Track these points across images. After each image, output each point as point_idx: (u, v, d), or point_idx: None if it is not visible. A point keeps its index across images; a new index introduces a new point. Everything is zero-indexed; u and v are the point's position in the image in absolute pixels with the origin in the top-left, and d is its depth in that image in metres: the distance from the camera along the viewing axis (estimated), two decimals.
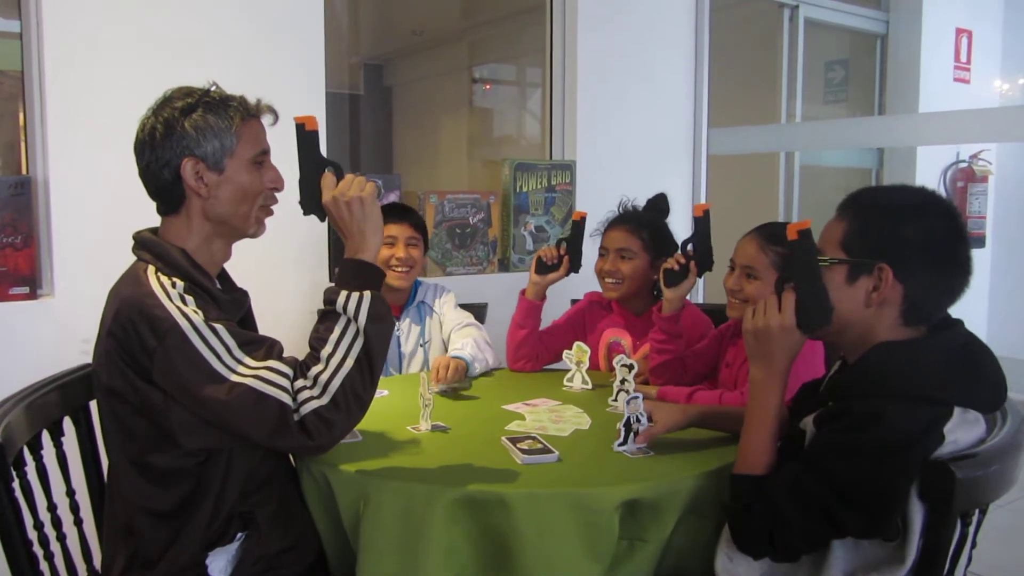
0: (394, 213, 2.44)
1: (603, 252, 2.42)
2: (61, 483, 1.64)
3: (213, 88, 1.53)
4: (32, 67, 2.34)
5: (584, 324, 2.50)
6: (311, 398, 1.37)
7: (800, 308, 1.37)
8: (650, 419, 1.63)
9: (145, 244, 1.51)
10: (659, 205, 2.51)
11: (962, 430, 1.27)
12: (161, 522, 1.46)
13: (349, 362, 1.39)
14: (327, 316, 1.43)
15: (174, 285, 1.42)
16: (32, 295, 2.33)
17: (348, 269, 1.45)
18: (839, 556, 1.30)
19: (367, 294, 1.42)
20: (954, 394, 1.27)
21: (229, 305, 1.53)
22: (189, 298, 1.41)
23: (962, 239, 1.35)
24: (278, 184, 1.55)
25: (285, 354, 1.45)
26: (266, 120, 1.57)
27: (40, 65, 2.32)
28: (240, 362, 1.38)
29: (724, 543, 1.42)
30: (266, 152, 1.54)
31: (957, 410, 1.26)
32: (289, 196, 1.59)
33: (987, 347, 1.36)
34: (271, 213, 1.58)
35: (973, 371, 1.31)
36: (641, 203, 2.50)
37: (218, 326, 1.39)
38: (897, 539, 1.25)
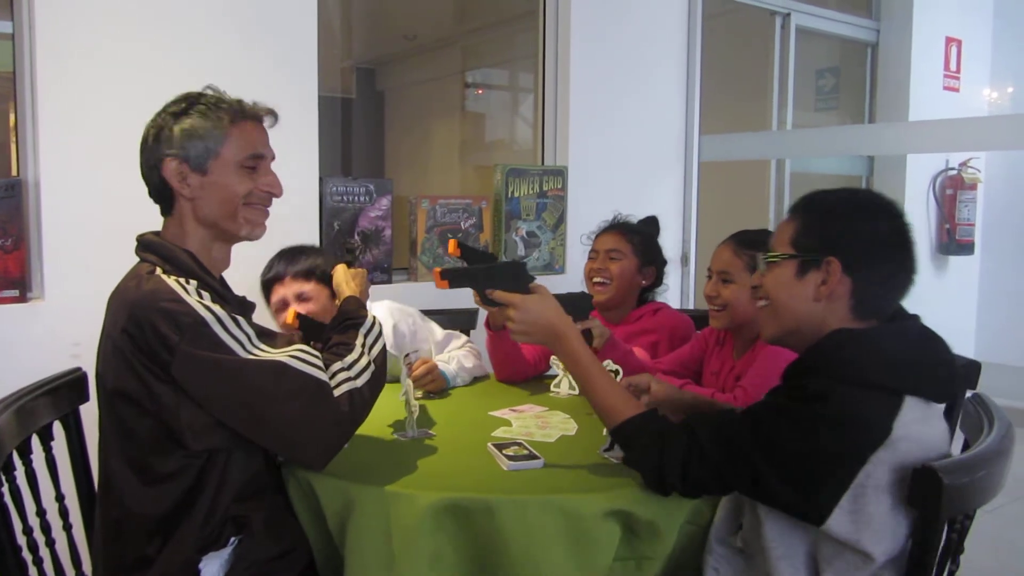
0: (278, 262, 2.18)
1: (593, 255, 2.48)
2: (50, 488, 1.63)
3: (209, 91, 1.54)
4: (24, 68, 2.33)
5: None
6: (347, 379, 1.47)
7: (508, 286, 1.52)
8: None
9: (149, 246, 1.53)
10: (652, 223, 2.59)
11: (920, 425, 1.28)
12: (155, 525, 1.46)
13: (377, 349, 1.57)
14: (350, 327, 1.60)
15: (188, 282, 1.44)
16: (22, 298, 2.32)
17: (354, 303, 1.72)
18: (805, 545, 1.32)
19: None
20: (906, 383, 1.30)
21: (237, 306, 1.54)
22: (205, 294, 1.44)
23: (908, 237, 1.39)
24: (273, 189, 1.57)
25: None
26: (266, 123, 1.58)
27: (32, 66, 2.31)
28: (262, 350, 1.42)
29: (709, 557, 1.43)
30: (260, 156, 1.55)
31: (912, 402, 1.28)
32: (281, 203, 1.61)
33: (942, 339, 1.39)
34: (265, 215, 1.58)
35: (926, 360, 1.34)
36: (636, 219, 2.57)
37: (239, 317, 1.43)
38: (823, 523, 1.26)
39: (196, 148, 1.49)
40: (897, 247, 1.38)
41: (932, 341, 1.37)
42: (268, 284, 2.18)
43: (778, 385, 1.39)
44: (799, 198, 1.47)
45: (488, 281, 1.55)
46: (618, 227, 2.50)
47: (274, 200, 1.60)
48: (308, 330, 1.76)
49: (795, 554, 1.33)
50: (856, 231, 1.37)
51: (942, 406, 1.36)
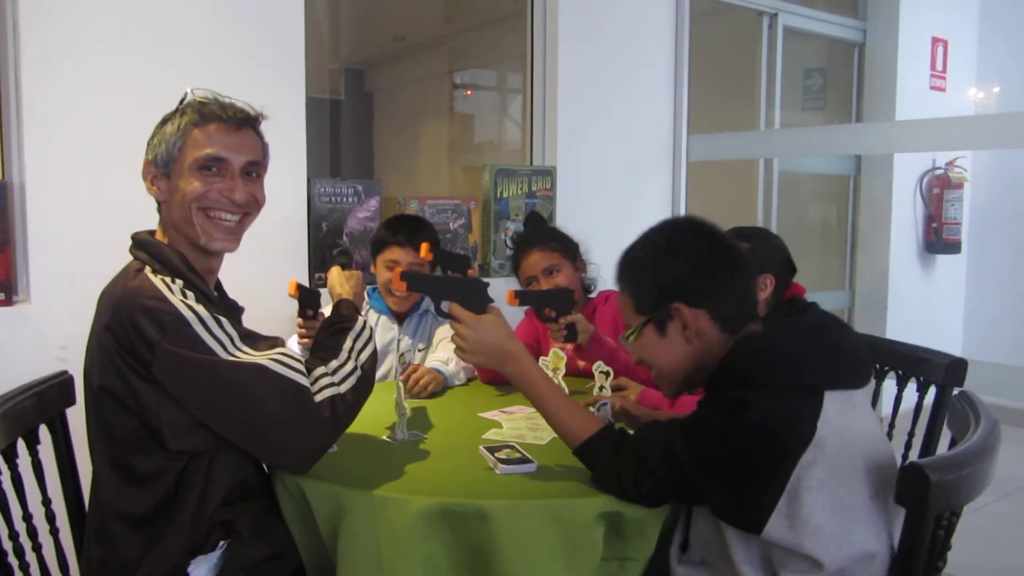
0: (402, 232, 2.46)
1: (531, 281, 2.43)
2: (37, 492, 1.62)
3: (200, 94, 1.54)
4: (8, 70, 2.31)
5: (539, 336, 2.51)
6: (330, 384, 1.45)
7: (465, 302, 1.51)
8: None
9: (142, 245, 1.53)
10: (537, 219, 2.66)
11: (843, 418, 1.29)
12: (138, 527, 1.45)
13: (365, 354, 1.56)
14: (339, 331, 1.58)
15: (174, 281, 1.44)
16: (7, 302, 2.30)
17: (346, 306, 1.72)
18: (762, 550, 1.32)
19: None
20: (820, 377, 1.31)
21: (224, 310, 1.53)
22: (190, 293, 1.43)
23: (718, 242, 1.43)
24: (230, 194, 1.51)
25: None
26: (248, 128, 1.55)
27: (16, 68, 2.30)
28: (243, 352, 1.41)
29: (676, 565, 1.43)
30: (218, 159, 1.50)
31: (832, 396, 1.29)
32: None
33: (844, 324, 1.42)
34: (224, 226, 1.53)
35: (833, 350, 1.35)
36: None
37: (222, 318, 1.42)
38: (761, 531, 1.27)
39: (162, 151, 1.50)
40: (716, 258, 1.41)
41: (834, 328, 1.40)
42: (383, 243, 2.47)
43: (704, 397, 1.41)
44: (616, 268, 1.50)
45: (446, 292, 1.55)
46: (533, 244, 2.44)
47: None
48: (306, 298, 1.81)
49: (754, 558, 1.33)
50: (676, 268, 1.40)
51: (860, 391, 1.38)
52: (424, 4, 5.27)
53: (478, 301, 1.53)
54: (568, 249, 2.46)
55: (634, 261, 1.48)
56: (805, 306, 1.46)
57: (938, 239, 5.19)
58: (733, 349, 1.38)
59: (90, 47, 2.39)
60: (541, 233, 2.55)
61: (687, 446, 1.33)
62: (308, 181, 2.88)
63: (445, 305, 1.55)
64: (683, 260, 1.40)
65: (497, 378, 2.32)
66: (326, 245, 2.92)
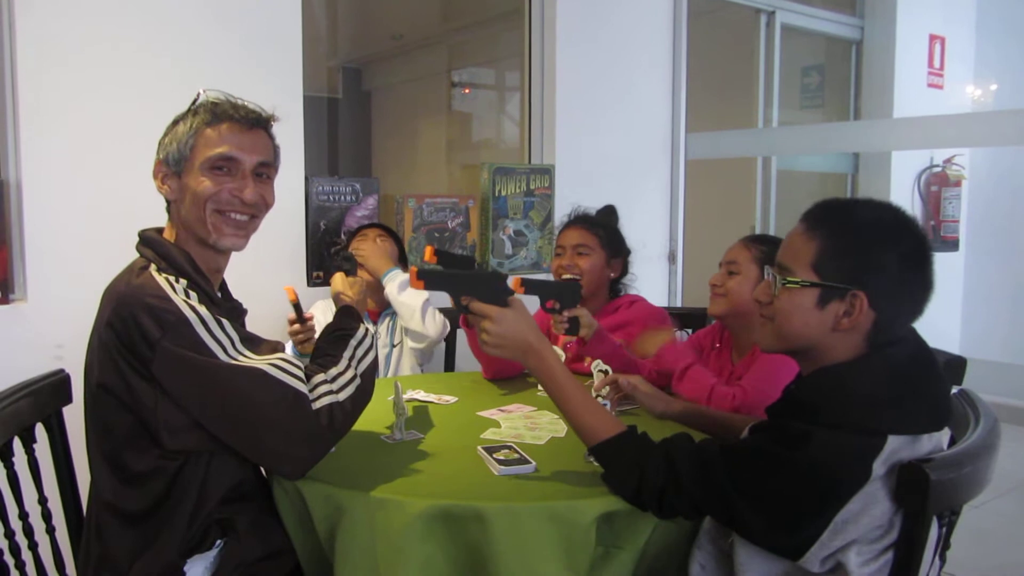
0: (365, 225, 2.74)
1: (560, 251, 2.47)
2: (33, 491, 1.62)
3: (213, 95, 1.54)
4: (4, 68, 2.30)
5: (548, 327, 2.51)
6: (329, 392, 1.44)
7: (485, 297, 1.50)
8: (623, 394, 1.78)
9: (148, 242, 1.52)
10: (611, 212, 2.58)
11: (899, 454, 1.24)
12: (134, 524, 1.45)
13: (366, 362, 1.56)
14: (341, 338, 1.58)
15: (177, 281, 1.44)
16: (4, 300, 2.29)
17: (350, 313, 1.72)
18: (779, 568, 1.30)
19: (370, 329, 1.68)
20: (885, 422, 1.24)
21: (227, 312, 1.52)
22: (193, 294, 1.43)
23: (930, 261, 1.32)
24: (240, 194, 1.51)
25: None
26: (259, 129, 1.54)
27: (12, 66, 2.29)
28: (244, 355, 1.41)
29: (697, 552, 1.42)
30: (229, 158, 1.50)
31: (896, 438, 1.23)
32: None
33: (932, 360, 1.33)
34: (235, 223, 1.52)
35: (910, 393, 1.27)
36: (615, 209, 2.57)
37: (224, 320, 1.42)
38: (800, 558, 1.24)
39: (173, 150, 1.50)
40: (923, 275, 1.30)
41: (922, 368, 1.31)
42: (359, 229, 2.74)
43: (760, 422, 1.37)
44: (818, 209, 1.36)
45: (465, 288, 1.52)
46: (581, 221, 2.49)
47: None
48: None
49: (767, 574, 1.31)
50: (886, 261, 1.27)
51: (927, 435, 1.28)
52: (422, 3, 5.27)
53: (499, 294, 1.51)
54: (610, 243, 2.45)
55: (853, 220, 1.32)
56: (901, 335, 1.33)
57: (936, 237, 5.19)
58: (805, 380, 1.32)
59: (86, 44, 2.38)
60: (598, 217, 2.52)
61: (731, 473, 1.29)
62: (306, 179, 2.88)
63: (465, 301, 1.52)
64: (898, 254, 1.28)
65: (500, 373, 2.33)
66: (324, 243, 2.92)
